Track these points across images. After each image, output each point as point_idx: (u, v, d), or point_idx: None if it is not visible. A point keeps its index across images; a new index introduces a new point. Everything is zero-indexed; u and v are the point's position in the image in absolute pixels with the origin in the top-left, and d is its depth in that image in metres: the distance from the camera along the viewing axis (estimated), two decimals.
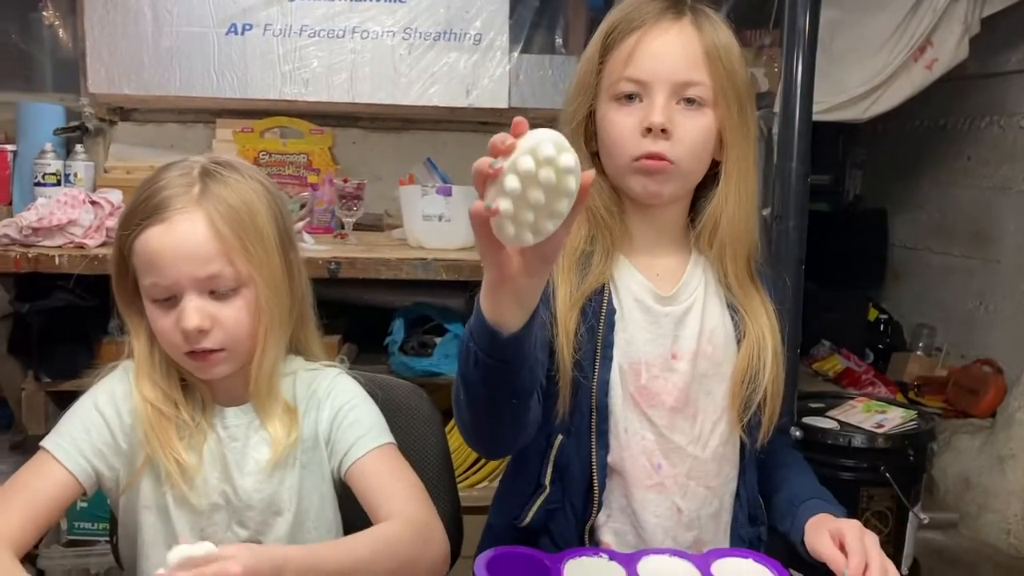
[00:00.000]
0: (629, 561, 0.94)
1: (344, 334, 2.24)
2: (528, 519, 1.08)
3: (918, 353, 3.35)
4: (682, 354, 1.08)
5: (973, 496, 2.80)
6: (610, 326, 1.06)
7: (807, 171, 1.84)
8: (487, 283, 0.82)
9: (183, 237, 0.98)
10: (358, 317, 2.29)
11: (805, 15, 1.79)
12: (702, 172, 1.07)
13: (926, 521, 1.90)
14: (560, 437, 1.08)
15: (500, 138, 0.72)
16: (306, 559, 0.86)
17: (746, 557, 0.98)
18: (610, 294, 1.07)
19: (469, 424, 0.96)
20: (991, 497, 2.74)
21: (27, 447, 2.33)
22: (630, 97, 1.04)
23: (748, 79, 1.06)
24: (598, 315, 1.06)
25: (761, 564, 0.97)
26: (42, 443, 1.03)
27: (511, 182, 0.70)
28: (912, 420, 1.94)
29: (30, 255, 1.86)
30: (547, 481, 1.08)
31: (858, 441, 1.87)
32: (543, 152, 0.70)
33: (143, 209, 0.99)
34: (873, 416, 1.94)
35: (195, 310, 0.98)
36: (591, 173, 0.74)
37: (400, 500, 1.00)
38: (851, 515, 1.89)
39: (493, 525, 1.18)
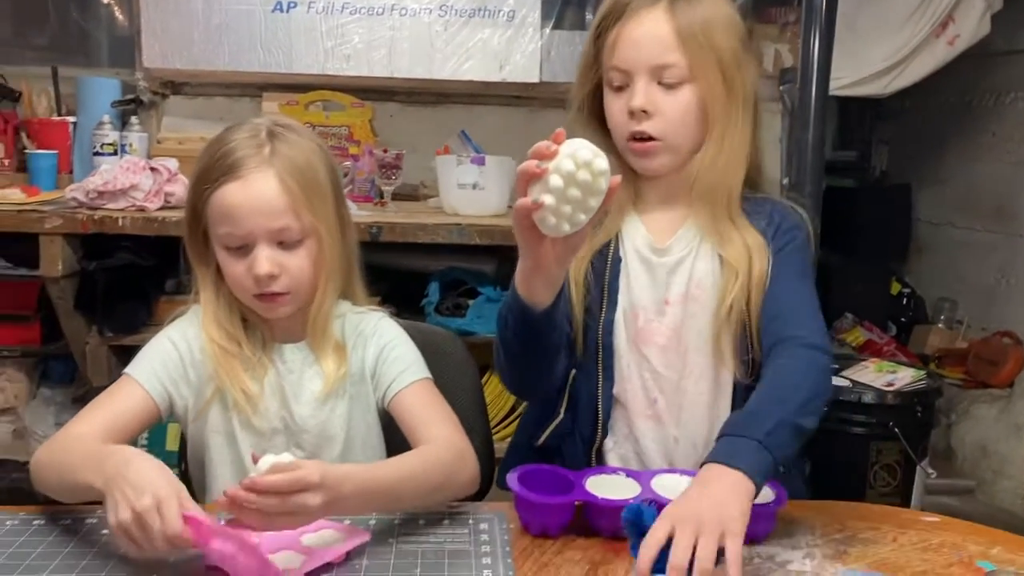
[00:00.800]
0: (644, 478, 1.05)
1: (383, 296, 2.37)
2: (542, 440, 1.23)
3: (939, 326, 3.39)
4: (673, 299, 1.19)
5: (989, 463, 2.87)
6: (615, 274, 1.19)
7: (822, 142, 1.92)
8: (523, 270, 0.99)
9: (257, 193, 1.09)
10: (396, 281, 2.41)
11: None
12: (694, 141, 1.16)
13: (933, 476, 1.99)
14: (573, 371, 1.21)
15: (544, 144, 0.87)
16: (363, 473, 0.98)
17: None
18: (617, 246, 1.20)
19: (509, 378, 1.15)
20: (1007, 464, 2.80)
21: (90, 400, 2.48)
22: (621, 84, 1.15)
23: (735, 46, 1.14)
24: (605, 264, 1.20)
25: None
26: (125, 370, 1.16)
27: (555, 180, 0.87)
28: (921, 379, 2.03)
29: (96, 217, 2.00)
30: (562, 409, 1.23)
31: (868, 397, 1.95)
32: (581, 157, 0.86)
33: (219, 167, 1.10)
34: (884, 375, 2.03)
35: (266, 258, 1.10)
36: (618, 178, 0.89)
37: (437, 426, 1.12)
38: (861, 468, 2.00)
39: (515, 443, 1.34)
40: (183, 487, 0.89)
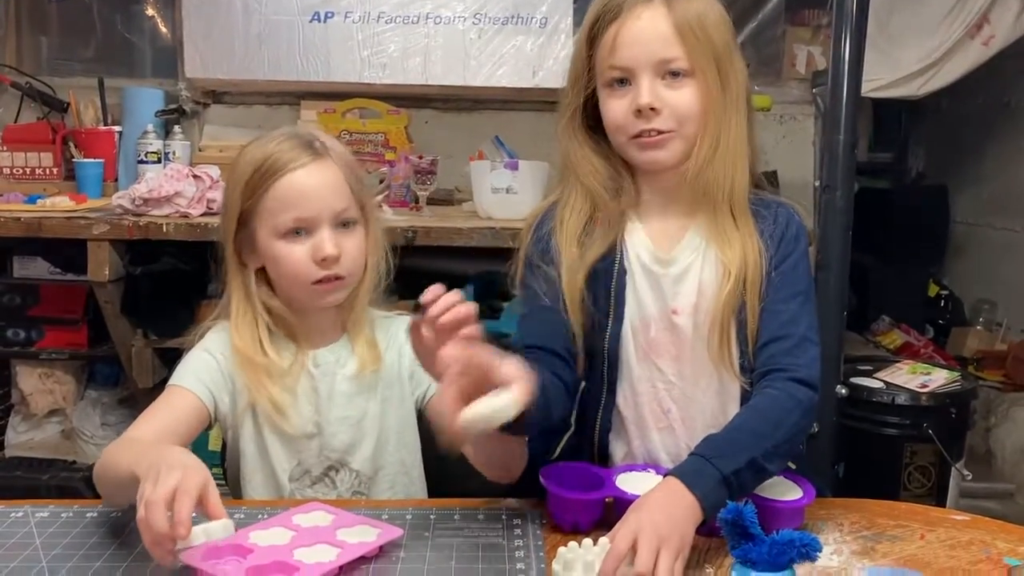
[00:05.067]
0: None
1: (418, 300, 2.40)
2: (556, 453, 1.22)
3: (978, 328, 3.36)
4: (681, 309, 1.17)
5: None
6: (621, 286, 1.17)
7: (854, 144, 1.92)
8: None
9: (322, 176, 1.17)
10: (431, 284, 2.43)
11: None
12: (698, 135, 1.14)
13: (968, 477, 1.98)
14: (584, 384, 1.21)
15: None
16: None
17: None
18: (621, 256, 1.18)
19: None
20: None
21: (135, 401, 2.55)
22: (620, 82, 1.13)
23: (728, 39, 1.14)
24: (610, 276, 1.17)
25: (789, 480, 1.09)
26: (169, 383, 1.19)
27: None
28: (956, 381, 2.02)
29: (141, 223, 2.05)
30: (572, 420, 1.22)
31: (902, 399, 1.95)
32: None
33: (275, 164, 1.16)
34: (918, 377, 2.02)
35: (330, 239, 1.16)
36: None
37: None
38: (894, 469, 1.99)
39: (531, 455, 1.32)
40: (211, 479, 0.91)
